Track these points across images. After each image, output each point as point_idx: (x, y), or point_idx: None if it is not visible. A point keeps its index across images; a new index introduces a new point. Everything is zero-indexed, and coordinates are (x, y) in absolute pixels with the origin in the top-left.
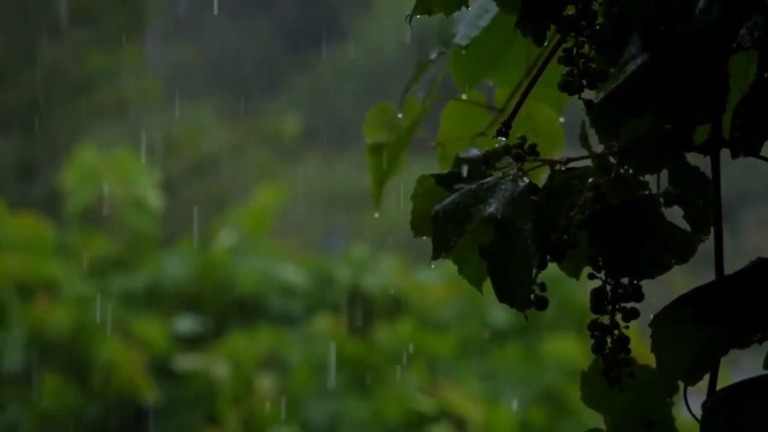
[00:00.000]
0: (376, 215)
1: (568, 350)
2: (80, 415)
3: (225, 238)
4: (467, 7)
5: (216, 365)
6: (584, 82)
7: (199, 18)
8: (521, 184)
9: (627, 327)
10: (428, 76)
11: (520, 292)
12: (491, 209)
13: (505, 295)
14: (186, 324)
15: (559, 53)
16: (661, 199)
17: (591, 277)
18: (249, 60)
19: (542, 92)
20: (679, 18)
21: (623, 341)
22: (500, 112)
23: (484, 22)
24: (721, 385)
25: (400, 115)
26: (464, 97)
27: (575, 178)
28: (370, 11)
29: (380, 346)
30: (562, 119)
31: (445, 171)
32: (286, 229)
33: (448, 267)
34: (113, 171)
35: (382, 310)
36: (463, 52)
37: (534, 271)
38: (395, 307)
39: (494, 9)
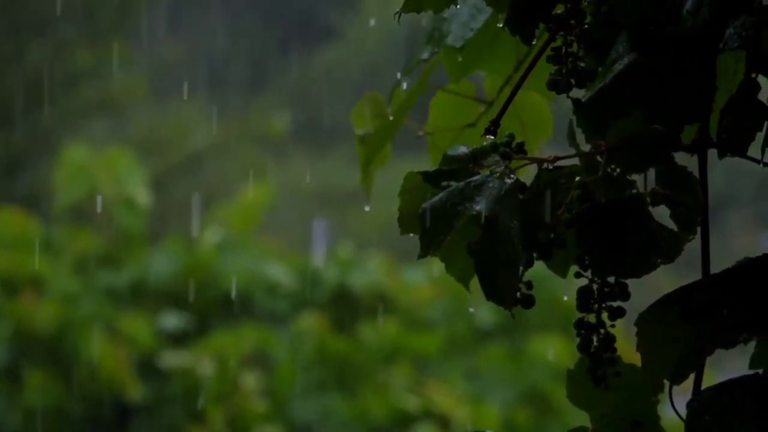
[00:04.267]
0: (367, 208)
1: (554, 350)
2: (65, 411)
3: (211, 235)
4: (456, 5)
5: (201, 363)
6: (573, 81)
7: (187, 15)
8: (508, 182)
9: (613, 326)
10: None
11: (507, 291)
12: (478, 207)
13: (492, 294)
14: (172, 321)
15: (548, 52)
16: (649, 199)
17: (578, 275)
18: (237, 58)
19: (533, 83)
20: (667, 18)
21: (609, 340)
22: (490, 104)
23: (477, 24)
24: (705, 385)
25: (388, 109)
26: (453, 88)
27: (563, 177)
28: (358, 10)
29: (366, 344)
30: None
31: (435, 162)
32: (273, 227)
33: (434, 266)
34: (103, 168)
35: (367, 308)
36: (459, 57)
37: (521, 269)
38: (381, 305)
39: (487, 10)
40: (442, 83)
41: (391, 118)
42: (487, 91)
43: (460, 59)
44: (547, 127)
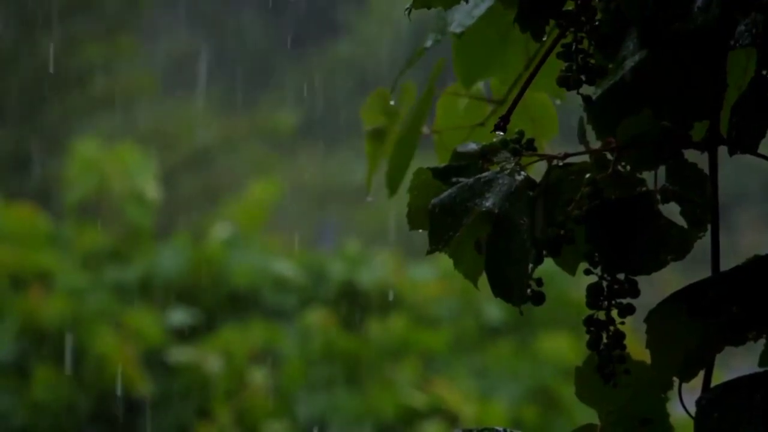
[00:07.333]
0: (369, 198)
1: (562, 348)
2: (73, 407)
3: (219, 231)
4: (466, 1)
5: (209, 358)
6: (583, 77)
7: (196, 10)
8: (518, 178)
9: (622, 323)
10: (425, 65)
11: (515, 287)
12: (488, 204)
13: (501, 290)
14: (179, 317)
15: (558, 48)
16: (659, 196)
17: (587, 272)
18: (245, 54)
19: (543, 82)
20: (676, 15)
21: (619, 337)
22: (499, 103)
23: (479, 12)
24: (714, 383)
25: (392, 102)
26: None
27: (572, 174)
28: (366, 5)
29: (373, 341)
30: (558, 101)
31: (442, 161)
32: (280, 223)
33: (442, 263)
34: (114, 163)
35: (375, 305)
36: (458, 43)
37: (530, 266)
38: (388, 302)
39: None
40: (449, 82)
41: (397, 110)
42: (493, 91)
43: (468, 58)
44: (553, 127)
